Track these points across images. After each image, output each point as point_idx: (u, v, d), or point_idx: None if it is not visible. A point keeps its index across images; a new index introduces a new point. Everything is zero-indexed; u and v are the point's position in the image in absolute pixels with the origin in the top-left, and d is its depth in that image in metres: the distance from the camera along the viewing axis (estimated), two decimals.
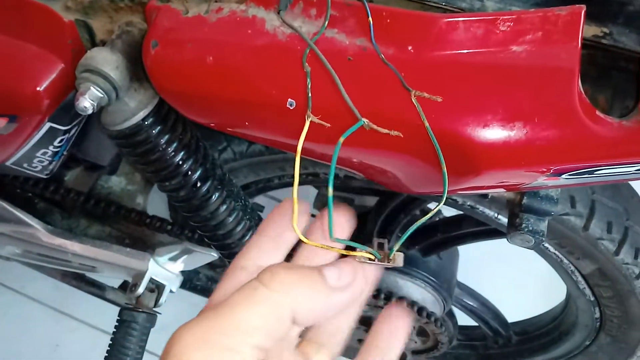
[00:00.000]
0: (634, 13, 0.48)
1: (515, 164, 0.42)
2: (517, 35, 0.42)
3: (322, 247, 0.38)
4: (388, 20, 0.45)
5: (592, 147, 0.41)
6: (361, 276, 0.36)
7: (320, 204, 1.16)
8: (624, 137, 0.41)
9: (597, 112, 0.41)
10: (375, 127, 0.40)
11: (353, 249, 0.37)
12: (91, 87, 0.55)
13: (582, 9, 0.41)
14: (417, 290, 0.98)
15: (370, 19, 0.44)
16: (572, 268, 0.80)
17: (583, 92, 0.41)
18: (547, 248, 0.78)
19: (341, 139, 0.36)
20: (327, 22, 0.46)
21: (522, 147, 0.41)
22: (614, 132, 0.41)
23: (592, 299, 0.85)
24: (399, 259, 0.37)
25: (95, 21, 0.62)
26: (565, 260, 0.79)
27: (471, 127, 0.41)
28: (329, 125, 0.42)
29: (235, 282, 0.37)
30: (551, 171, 0.42)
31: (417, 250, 1.00)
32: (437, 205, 0.38)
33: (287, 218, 0.39)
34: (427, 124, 0.40)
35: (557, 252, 0.78)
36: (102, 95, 0.55)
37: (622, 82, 0.50)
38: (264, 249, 0.39)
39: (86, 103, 0.55)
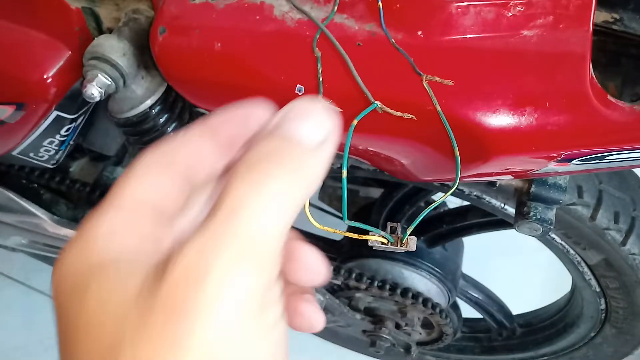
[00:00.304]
0: None
1: (526, 149, 0.42)
2: (528, 20, 0.42)
3: (334, 232, 0.38)
4: (398, 5, 0.45)
5: (604, 132, 0.41)
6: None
7: (326, 196, 1.16)
8: (636, 121, 0.40)
9: (609, 97, 0.41)
10: (388, 109, 0.40)
11: (366, 232, 0.37)
12: (99, 75, 0.55)
13: None
14: (422, 281, 0.98)
15: (380, 3, 0.44)
16: (579, 259, 0.80)
17: (594, 77, 0.41)
18: (554, 238, 0.78)
19: (355, 121, 0.36)
20: (336, 7, 0.46)
21: (533, 132, 0.41)
22: (625, 117, 0.40)
23: (598, 290, 0.85)
24: (411, 243, 0.37)
25: (102, 9, 0.62)
26: (571, 251, 0.79)
27: (482, 112, 0.41)
28: (340, 110, 0.42)
29: None
30: (562, 157, 0.42)
31: (423, 241, 1.00)
32: (452, 189, 0.38)
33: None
34: (439, 108, 0.40)
35: (563, 243, 0.78)
36: (109, 83, 0.55)
37: (632, 69, 0.50)
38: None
39: (94, 90, 0.55)
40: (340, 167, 0.80)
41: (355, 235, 0.38)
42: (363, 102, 0.41)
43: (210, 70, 0.50)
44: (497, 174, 0.46)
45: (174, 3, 0.53)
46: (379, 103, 0.40)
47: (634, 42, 0.48)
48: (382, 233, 0.37)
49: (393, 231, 0.38)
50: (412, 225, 0.37)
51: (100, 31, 0.62)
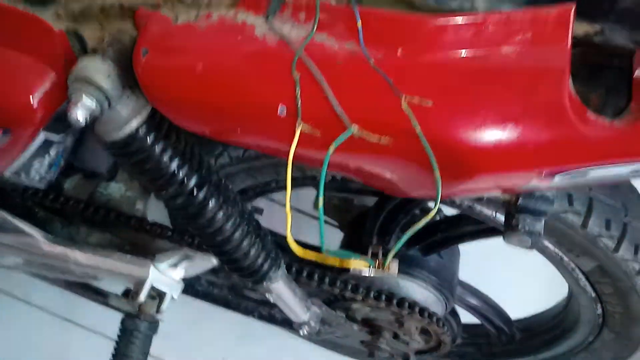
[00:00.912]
0: (626, 9, 0.47)
1: (507, 167, 0.42)
2: (507, 36, 0.42)
3: (317, 260, 0.38)
4: (377, 23, 0.45)
5: (584, 149, 0.41)
6: None
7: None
8: (616, 138, 0.40)
9: (589, 113, 0.40)
10: (364, 134, 0.40)
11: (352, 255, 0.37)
12: (83, 97, 0.55)
13: (571, 7, 0.41)
14: (418, 290, 0.98)
15: (359, 23, 0.44)
16: (572, 265, 0.80)
17: (574, 92, 0.41)
18: (547, 246, 0.78)
19: (331, 149, 0.36)
20: (315, 27, 0.46)
21: (513, 149, 0.41)
22: (605, 133, 0.40)
23: (594, 295, 0.85)
24: (393, 267, 0.37)
25: (86, 29, 0.62)
26: (565, 258, 0.79)
27: (462, 131, 0.41)
28: (319, 133, 0.42)
29: None
30: (544, 173, 0.42)
31: (418, 250, 1.00)
32: (430, 213, 0.38)
33: None
34: (418, 130, 0.40)
35: (556, 250, 0.78)
36: (94, 105, 0.55)
37: (615, 80, 0.49)
38: None
39: (78, 114, 0.55)
40: (333, 178, 0.79)
41: (337, 264, 0.37)
42: (343, 124, 0.41)
43: (193, 91, 0.50)
44: (481, 190, 0.46)
45: (156, 24, 0.53)
46: (355, 128, 0.40)
47: (615, 53, 0.48)
48: (363, 258, 0.37)
49: (375, 255, 0.38)
50: (394, 249, 0.37)
51: (85, 52, 0.62)
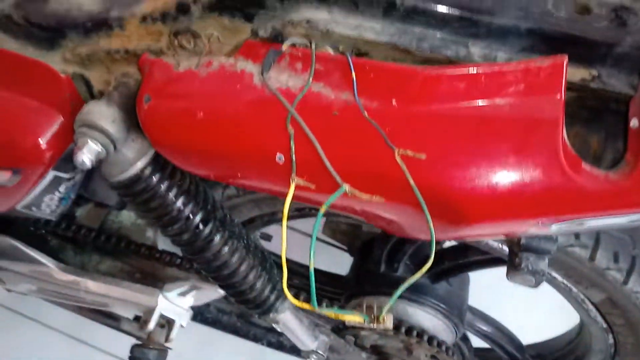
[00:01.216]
0: (623, 54, 0.47)
1: (501, 216, 0.42)
2: (500, 88, 0.42)
3: (313, 310, 0.38)
4: (372, 74, 0.45)
5: (579, 200, 0.41)
6: None
7: (330, 230, 1.16)
8: (612, 190, 0.40)
9: (584, 165, 0.40)
10: (357, 192, 0.40)
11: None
12: (89, 142, 0.56)
13: (564, 59, 0.41)
14: (427, 317, 0.98)
15: (353, 75, 0.44)
16: (582, 297, 0.79)
17: (569, 142, 0.41)
18: (555, 277, 0.77)
19: (323, 208, 0.37)
20: (311, 79, 0.46)
21: (507, 199, 0.41)
22: (601, 185, 0.40)
23: (605, 326, 0.84)
24: (388, 321, 0.37)
25: (93, 72, 0.63)
26: (574, 289, 0.78)
27: (456, 182, 0.41)
28: (313, 187, 0.42)
29: None
30: (540, 223, 0.42)
31: (426, 278, 0.99)
32: (424, 266, 0.38)
33: None
34: (412, 183, 0.40)
35: (565, 282, 0.77)
36: (100, 150, 0.57)
37: (614, 123, 0.49)
38: None
39: (85, 158, 0.56)
40: None
41: (332, 315, 0.38)
42: (336, 181, 0.42)
43: (194, 138, 0.51)
44: (479, 236, 0.46)
45: (158, 71, 0.55)
46: (346, 187, 0.40)
47: (614, 97, 0.47)
48: (357, 312, 0.37)
49: (370, 309, 0.38)
50: (389, 303, 0.37)
51: (91, 95, 0.63)
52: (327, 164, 0.41)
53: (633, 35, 0.47)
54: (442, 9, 0.48)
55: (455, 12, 0.48)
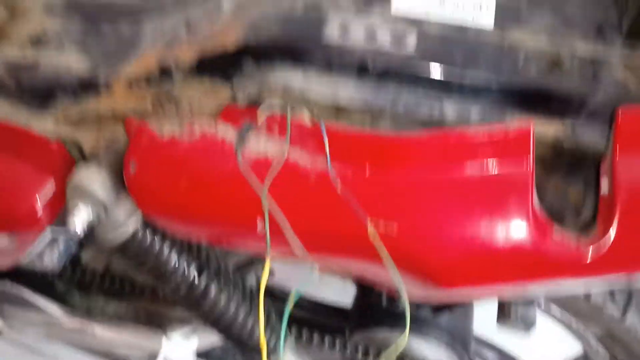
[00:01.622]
0: (596, 108, 0.47)
1: (474, 282, 0.42)
2: (469, 153, 0.42)
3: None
4: (345, 141, 0.46)
5: (550, 266, 0.41)
6: None
7: None
8: (582, 257, 0.40)
9: (555, 232, 0.41)
10: (327, 273, 0.41)
11: None
12: (80, 207, 0.58)
13: (531, 126, 0.42)
14: (429, 349, 0.97)
15: (326, 145, 0.45)
16: (582, 329, 0.79)
17: (539, 208, 0.41)
18: (554, 314, 0.77)
19: (291, 300, 0.38)
20: (287, 148, 0.47)
21: (478, 265, 0.41)
22: (572, 252, 0.40)
23: (608, 357, 0.83)
24: None
25: (84, 132, 0.65)
26: (573, 323, 0.78)
27: (428, 248, 0.42)
28: (289, 260, 0.43)
29: None
30: (514, 286, 0.42)
31: (428, 309, 0.99)
32: (399, 344, 0.39)
33: None
34: (384, 255, 0.41)
35: (564, 316, 0.77)
36: (91, 214, 0.58)
37: (592, 174, 0.49)
38: None
39: (76, 223, 0.58)
40: None
41: None
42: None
43: (179, 206, 0.53)
44: (459, 298, 0.47)
45: (143, 136, 0.56)
46: (315, 270, 0.41)
47: (589, 152, 0.48)
48: None
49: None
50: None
51: (83, 155, 0.65)
52: (299, 249, 0.42)
53: (605, 88, 0.47)
54: (414, 69, 0.49)
55: (427, 71, 0.49)
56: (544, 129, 0.47)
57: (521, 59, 0.49)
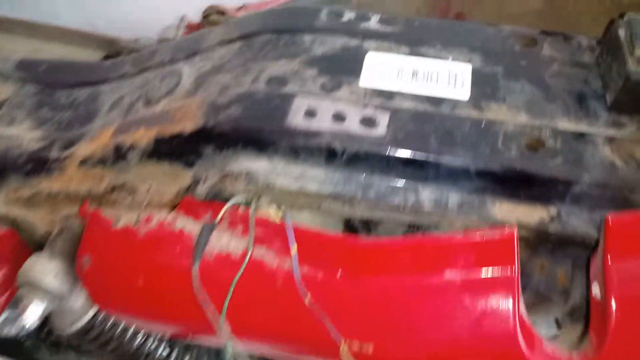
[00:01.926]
0: (582, 193, 0.44)
1: None
2: (449, 260, 0.39)
3: None
4: (314, 243, 0.42)
5: None
6: None
7: None
8: None
9: (544, 345, 0.37)
10: None
11: None
12: (32, 302, 0.54)
13: (514, 232, 0.38)
14: None
15: (294, 251, 0.41)
16: None
17: (527, 319, 0.38)
18: None
19: None
20: (251, 250, 0.43)
21: None
22: None
23: None
24: None
25: (37, 213, 0.60)
26: None
27: None
28: None
29: None
30: None
31: None
32: None
33: None
34: None
35: None
36: (43, 308, 0.54)
37: (580, 253, 0.46)
38: None
39: (29, 317, 0.53)
40: None
41: None
42: None
43: (134, 305, 0.49)
44: None
45: (98, 226, 0.52)
46: None
47: (577, 236, 0.44)
48: None
49: None
50: None
51: (35, 239, 0.60)
52: None
53: (591, 171, 0.44)
54: (387, 153, 0.45)
55: (401, 155, 0.45)
56: (527, 215, 0.44)
57: (500, 138, 0.46)
